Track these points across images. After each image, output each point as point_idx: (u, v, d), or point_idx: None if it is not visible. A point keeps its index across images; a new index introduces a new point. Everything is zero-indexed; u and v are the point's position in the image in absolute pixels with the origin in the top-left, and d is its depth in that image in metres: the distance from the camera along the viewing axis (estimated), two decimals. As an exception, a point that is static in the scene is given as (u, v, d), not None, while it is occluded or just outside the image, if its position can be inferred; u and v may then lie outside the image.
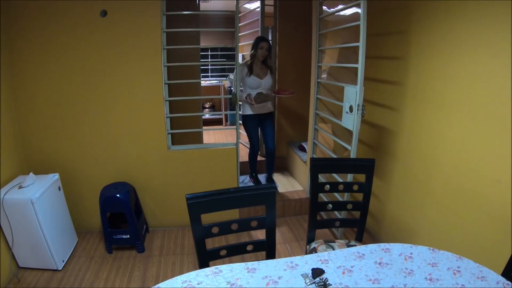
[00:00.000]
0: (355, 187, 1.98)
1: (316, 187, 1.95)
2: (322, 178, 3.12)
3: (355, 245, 1.95)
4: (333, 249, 1.91)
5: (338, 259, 1.42)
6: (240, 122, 3.50)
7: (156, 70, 2.77)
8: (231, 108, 5.81)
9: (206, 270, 1.35)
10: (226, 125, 6.68)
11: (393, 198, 2.67)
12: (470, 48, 1.85)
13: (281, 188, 3.69)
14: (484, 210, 1.81)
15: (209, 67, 7.16)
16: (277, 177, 3.98)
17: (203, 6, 5.52)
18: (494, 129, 1.73)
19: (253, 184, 3.68)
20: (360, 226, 2.03)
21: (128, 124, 2.86)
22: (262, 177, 3.82)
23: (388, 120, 2.65)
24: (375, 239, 2.92)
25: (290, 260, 1.42)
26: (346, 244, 2.00)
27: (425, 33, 2.19)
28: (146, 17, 2.66)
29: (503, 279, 1.25)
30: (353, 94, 2.40)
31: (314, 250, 1.96)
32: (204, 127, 3.83)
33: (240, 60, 4.81)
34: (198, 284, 1.27)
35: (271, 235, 1.63)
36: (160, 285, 1.26)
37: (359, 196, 1.99)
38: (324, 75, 3.31)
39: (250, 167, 3.72)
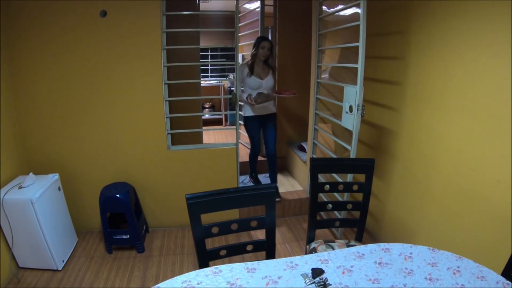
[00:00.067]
0: (355, 187, 1.98)
1: (316, 187, 1.95)
2: (322, 178, 3.12)
3: (355, 245, 1.95)
4: (333, 249, 1.91)
5: (338, 259, 1.42)
6: (241, 122, 3.50)
7: (156, 70, 2.77)
8: (231, 108, 5.81)
9: (206, 270, 1.35)
10: (226, 125, 6.69)
11: (393, 198, 2.67)
12: (470, 48, 1.85)
13: (281, 188, 3.68)
14: (483, 210, 1.81)
15: (209, 67, 7.16)
16: (278, 178, 3.97)
17: (203, 6, 5.52)
18: (494, 129, 1.73)
19: (253, 184, 3.68)
20: (360, 226, 2.03)
21: (128, 124, 2.86)
22: (262, 177, 3.81)
23: (388, 120, 2.65)
24: (375, 239, 2.92)
25: (290, 260, 1.42)
26: (346, 244, 2.00)
27: (425, 33, 2.19)
28: (146, 17, 2.66)
29: (503, 279, 1.25)
30: (353, 94, 2.40)
31: (314, 250, 1.96)
32: (204, 127, 3.83)
33: (240, 60, 4.82)
34: (198, 284, 1.27)
35: (271, 235, 1.63)
36: (160, 285, 1.26)
37: (359, 196, 1.99)
38: (324, 75, 3.31)
39: (250, 167, 3.72)
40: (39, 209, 2.30)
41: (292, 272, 1.34)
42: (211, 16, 6.13)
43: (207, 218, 1.48)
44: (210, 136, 5.84)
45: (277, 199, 3.36)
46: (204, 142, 3.88)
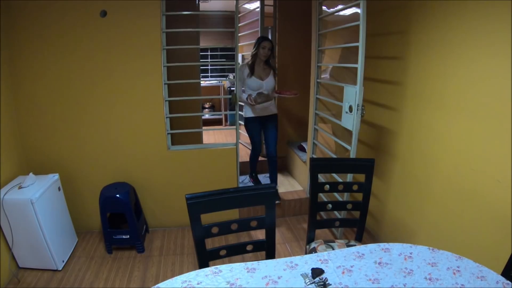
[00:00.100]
0: (355, 187, 1.99)
1: (315, 187, 1.95)
2: (321, 178, 3.12)
3: (354, 245, 1.95)
4: (333, 249, 1.91)
5: (338, 259, 1.42)
6: (241, 123, 3.49)
7: (156, 70, 2.77)
8: (231, 108, 5.81)
9: (206, 270, 1.35)
10: (226, 125, 6.69)
11: (392, 198, 2.67)
12: (470, 47, 1.85)
13: (281, 188, 3.68)
14: (483, 209, 1.81)
15: (209, 67, 7.16)
16: (277, 177, 3.97)
17: (202, 6, 5.53)
18: (493, 128, 1.73)
19: (252, 184, 3.68)
20: (359, 226, 2.04)
21: (128, 124, 2.86)
22: (262, 177, 3.81)
23: (388, 120, 2.65)
24: (374, 239, 2.92)
25: (290, 260, 1.42)
26: (346, 244, 2.00)
27: (425, 33, 2.19)
28: (145, 17, 2.66)
29: (502, 279, 1.25)
30: (352, 94, 2.40)
31: (313, 250, 1.96)
32: (204, 127, 3.82)
33: (239, 60, 4.82)
34: (198, 284, 1.27)
35: (270, 235, 1.63)
36: (160, 285, 1.26)
37: (359, 196, 1.99)
38: (324, 75, 3.31)
39: (250, 168, 3.71)
40: (39, 209, 2.30)
41: (292, 272, 1.34)
42: (211, 16, 6.14)
43: (207, 218, 1.48)
44: (210, 136, 5.84)
45: (277, 202, 3.35)
46: (204, 142, 3.88)
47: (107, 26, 2.62)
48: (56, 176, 2.61)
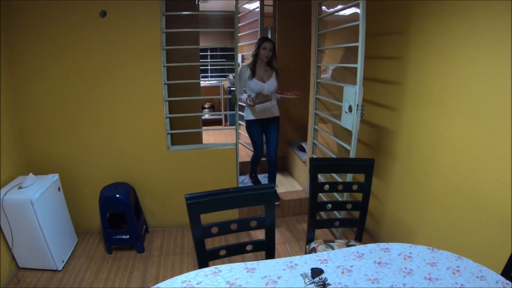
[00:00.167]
0: (355, 187, 1.98)
1: (315, 187, 1.95)
2: (321, 178, 3.12)
3: (354, 245, 1.95)
4: (333, 249, 1.91)
5: (338, 259, 1.42)
6: (241, 123, 3.48)
7: (155, 70, 2.77)
8: (231, 108, 5.81)
9: (206, 270, 1.35)
10: (225, 125, 6.69)
11: (392, 198, 2.67)
12: (470, 47, 1.85)
13: (280, 188, 3.68)
14: (483, 209, 1.81)
15: (209, 67, 7.16)
16: (277, 177, 3.97)
17: (202, 6, 5.53)
18: (493, 128, 1.74)
19: (252, 184, 3.67)
20: (359, 226, 2.04)
21: (128, 125, 2.86)
22: (261, 177, 3.81)
23: (388, 120, 2.65)
24: (374, 239, 2.92)
25: (290, 260, 1.42)
26: (346, 244, 2.00)
27: (424, 33, 2.19)
28: (145, 17, 2.66)
29: (502, 279, 1.25)
30: (352, 94, 2.40)
31: (313, 250, 1.96)
32: (203, 127, 3.83)
33: (239, 60, 4.82)
34: (198, 284, 1.27)
35: (270, 235, 1.63)
36: (159, 285, 1.26)
37: (359, 196, 1.99)
38: (324, 75, 3.31)
39: (251, 168, 3.70)
40: (39, 210, 2.30)
41: (292, 272, 1.34)
42: (211, 16, 6.14)
43: (206, 218, 1.48)
44: (210, 136, 5.84)
45: (276, 203, 3.34)
46: (203, 142, 3.88)
47: (107, 26, 2.62)
48: (56, 176, 2.61)
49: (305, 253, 1.94)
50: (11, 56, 2.56)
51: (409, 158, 2.44)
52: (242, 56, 5.29)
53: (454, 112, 1.98)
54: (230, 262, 1.43)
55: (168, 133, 2.94)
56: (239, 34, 4.51)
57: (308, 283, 1.28)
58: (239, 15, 4.47)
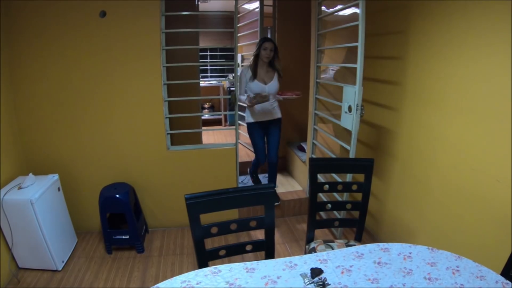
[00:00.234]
0: (354, 187, 1.98)
1: (315, 187, 1.95)
2: (321, 178, 3.12)
3: (354, 245, 1.95)
4: (332, 249, 1.91)
5: (337, 259, 1.42)
6: (241, 123, 3.47)
7: (155, 71, 2.77)
8: (231, 108, 5.81)
9: (205, 270, 1.35)
10: (225, 126, 6.69)
11: (392, 198, 2.67)
12: (469, 47, 1.85)
13: (280, 188, 3.68)
14: (483, 209, 1.81)
15: (208, 67, 7.17)
16: (277, 178, 3.97)
17: (202, 6, 5.53)
18: (493, 128, 1.74)
19: (252, 183, 3.67)
20: (359, 226, 2.04)
21: (128, 125, 2.86)
22: (262, 177, 3.81)
23: (387, 120, 2.65)
24: (374, 239, 2.92)
25: (289, 260, 1.42)
26: (345, 244, 2.00)
27: (424, 33, 2.19)
28: (145, 17, 2.66)
29: (502, 279, 1.25)
30: (352, 94, 2.40)
31: (313, 250, 1.96)
32: (203, 128, 3.83)
33: (239, 60, 4.82)
34: (197, 284, 1.27)
35: (270, 235, 1.63)
36: (159, 285, 1.26)
37: (358, 196, 2.00)
38: (324, 75, 3.31)
39: (252, 169, 3.65)
40: (38, 210, 2.30)
41: (291, 272, 1.34)
42: (210, 17, 6.14)
43: (206, 218, 1.48)
44: (210, 136, 5.84)
45: (276, 203, 3.34)
46: (203, 142, 3.88)
47: (107, 27, 2.62)
48: (55, 177, 2.61)
49: (305, 253, 1.93)
50: (11, 56, 2.56)
51: (409, 158, 2.44)
52: (242, 56, 5.29)
53: (454, 112, 1.98)
54: (229, 262, 1.43)
55: (168, 133, 2.94)
56: (238, 34, 4.51)
57: (308, 283, 1.28)
58: (238, 15, 4.47)
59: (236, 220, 1.57)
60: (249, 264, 1.39)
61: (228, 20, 5.16)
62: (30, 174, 2.46)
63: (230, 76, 7.01)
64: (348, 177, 2.65)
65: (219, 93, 6.72)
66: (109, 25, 2.62)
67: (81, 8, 2.55)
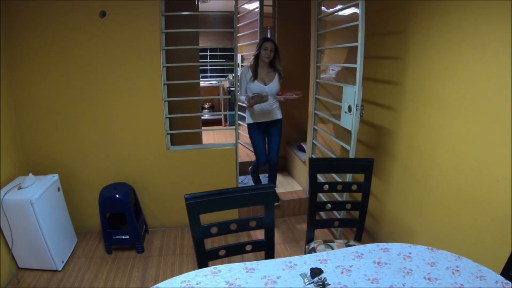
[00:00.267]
0: (354, 187, 1.98)
1: (315, 187, 1.95)
2: (321, 178, 3.12)
3: (354, 245, 1.95)
4: (332, 249, 1.91)
5: (337, 259, 1.42)
6: (241, 123, 3.46)
7: (155, 71, 2.77)
8: (230, 108, 5.81)
9: (205, 270, 1.35)
10: (225, 126, 6.69)
11: (392, 198, 2.67)
12: (469, 47, 1.85)
13: (280, 188, 3.68)
14: (483, 209, 1.81)
15: (208, 67, 7.17)
16: (277, 178, 3.96)
17: (202, 6, 5.54)
18: (493, 128, 1.74)
19: (252, 183, 3.66)
20: (359, 226, 2.04)
21: (127, 125, 2.86)
22: (262, 177, 3.80)
23: (387, 120, 2.65)
24: (374, 239, 2.92)
25: (289, 260, 1.42)
26: (345, 244, 2.00)
27: (424, 33, 2.19)
28: (145, 17, 2.66)
29: (502, 279, 1.25)
30: (351, 94, 2.40)
31: (313, 250, 1.96)
32: (203, 128, 3.83)
33: (239, 60, 4.82)
34: (197, 284, 1.27)
35: (270, 235, 1.63)
36: (159, 285, 1.26)
37: (358, 196, 2.00)
38: (324, 75, 3.31)
39: (253, 170, 3.59)
40: (38, 210, 2.30)
41: (291, 272, 1.34)
42: (210, 17, 6.14)
43: (206, 218, 1.48)
44: (210, 136, 5.84)
45: (276, 204, 3.34)
46: (203, 142, 3.88)
47: (106, 27, 2.62)
48: (55, 177, 2.61)
49: (305, 253, 1.93)
50: (11, 56, 2.56)
51: (408, 158, 2.44)
52: (242, 56, 5.29)
53: (454, 112, 1.99)
54: (229, 262, 1.43)
55: (167, 133, 2.94)
56: (238, 34, 4.52)
57: (308, 283, 1.28)
58: (238, 15, 4.48)
59: (236, 220, 1.57)
60: (248, 264, 1.39)
61: (228, 20, 5.17)
62: (30, 174, 2.46)
63: (230, 76, 7.01)
64: (348, 177, 2.65)
65: (219, 93, 6.72)
66: (109, 25, 2.62)
67: (81, 8, 2.55)
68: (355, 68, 2.34)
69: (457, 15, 1.91)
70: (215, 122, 6.92)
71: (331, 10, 2.97)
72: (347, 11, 2.71)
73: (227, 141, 4.34)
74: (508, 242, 1.63)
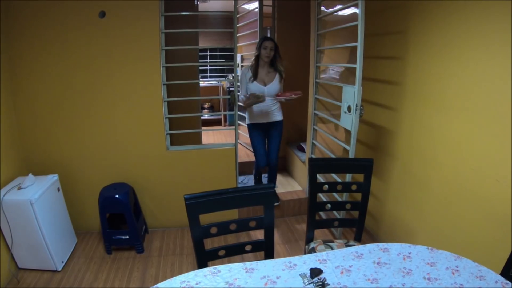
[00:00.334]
0: (354, 187, 1.98)
1: (314, 187, 1.95)
2: (321, 178, 3.12)
3: (353, 245, 1.95)
4: (332, 249, 1.91)
5: (337, 259, 1.42)
6: (240, 123, 3.45)
7: (155, 71, 2.77)
8: (230, 108, 5.81)
9: (205, 270, 1.35)
10: (225, 126, 6.68)
11: (392, 198, 2.67)
12: (469, 47, 1.85)
13: (280, 188, 3.68)
14: (483, 209, 1.81)
15: (208, 67, 7.17)
16: (277, 178, 3.96)
17: (201, 6, 5.54)
18: (493, 128, 1.74)
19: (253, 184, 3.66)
20: (359, 226, 2.03)
21: (127, 125, 2.86)
22: (263, 177, 3.80)
23: (387, 120, 2.65)
24: (374, 239, 2.92)
25: (289, 260, 1.42)
26: (345, 244, 2.00)
27: (424, 33, 2.19)
28: (144, 18, 2.66)
29: (502, 279, 1.25)
30: (351, 94, 2.40)
31: (313, 250, 1.96)
32: (203, 128, 3.82)
33: (238, 60, 4.82)
34: (197, 284, 1.27)
35: (269, 235, 1.63)
36: (158, 285, 1.26)
37: (358, 196, 1.99)
38: (324, 75, 3.31)
39: (254, 173, 3.55)
40: (38, 210, 2.30)
41: (291, 272, 1.34)
42: (210, 17, 6.15)
43: (206, 218, 1.48)
44: (209, 136, 5.84)
45: (275, 204, 3.33)
46: (203, 143, 3.88)
47: (106, 27, 2.62)
48: (55, 177, 2.61)
49: (304, 253, 1.93)
50: (11, 56, 2.56)
51: (408, 158, 2.44)
52: (241, 56, 5.29)
53: (454, 112, 1.98)
54: (229, 262, 1.43)
55: (167, 133, 2.94)
56: (238, 35, 4.52)
57: (307, 283, 1.28)
58: (238, 16, 4.48)
59: (235, 220, 1.57)
60: (248, 264, 1.39)
61: (228, 20, 5.17)
62: (30, 175, 2.46)
63: (230, 76, 7.01)
64: (348, 177, 2.65)
65: (219, 93, 6.72)
66: (109, 26, 2.62)
67: (81, 8, 2.55)
68: (354, 68, 2.34)
69: (457, 15, 1.91)
70: (215, 122, 6.92)
71: (330, 10, 2.97)
72: (347, 11, 2.71)
73: (226, 141, 4.33)
74: (508, 242, 1.63)
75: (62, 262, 2.59)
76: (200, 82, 5.76)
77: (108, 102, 2.78)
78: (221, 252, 1.59)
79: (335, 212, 2.94)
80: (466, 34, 1.86)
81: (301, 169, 3.73)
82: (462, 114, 1.93)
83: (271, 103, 3.03)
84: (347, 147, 2.60)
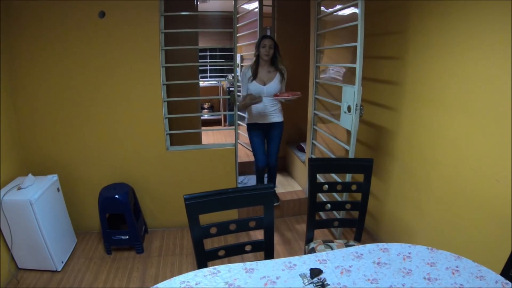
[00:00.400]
0: (354, 187, 1.98)
1: (314, 187, 1.95)
2: (320, 178, 3.12)
3: (353, 245, 1.95)
4: (332, 249, 1.91)
5: (336, 259, 1.42)
6: (240, 123, 3.45)
7: (154, 71, 2.77)
8: (230, 108, 5.81)
9: (204, 270, 1.35)
10: (225, 126, 6.69)
11: (391, 198, 2.67)
12: (469, 47, 1.85)
13: (280, 188, 3.68)
14: (483, 209, 1.81)
15: (208, 67, 7.17)
16: (276, 178, 3.96)
17: (201, 6, 5.54)
18: (493, 128, 1.74)
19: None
20: (358, 226, 2.03)
21: (127, 125, 2.86)
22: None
23: (387, 120, 2.65)
24: (374, 239, 2.92)
25: (288, 260, 1.42)
26: (345, 244, 2.00)
27: (424, 33, 2.19)
28: (144, 18, 2.66)
29: (502, 279, 1.25)
30: (351, 94, 2.40)
31: (312, 250, 1.96)
32: (202, 128, 3.82)
33: (238, 60, 4.82)
34: (196, 284, 1.27)
35: (269, 235, 1.63)
36: (158, 285, 1.26)
37: (358, 196, 1.99)
38: (323, 75, 3.31)
39: (257, 175, 3.40)
40: (38, 210, 2.29)
41: (291, 272, 1.34)
42: (210, 17, 6.15)
43: (205, 219, 1.48)
44: (209, 136, 5.84)
45: (275, 204, 3.33)
46: (203, 143, 3.88)
47: (106, 27, 2.62)
48: (55, 177, 2.61)
49: (304, 253, 1.93)
50: (11, 56, 2.56)
51: (408, 158, 2.44)
52: (241, 56, 5.29)
53: (454, 112, 1.98)
54: (229, 262, 1.42)
55: (167, 134, 2.94)
56: (238, 35, 4.52)
57: (307, 283, 1.28)
58: (238, 16, 4.48)
59: (235, 221, 1.57)
60: (248, 264, 1.39)
61: (228, 20, 5.17)
62: (30, 175, 2.45)
63: (230, 76, 7.01)
64: (348, 177, 2.65)
65: (219, 93, 6.72)
66: (108, 26, 2.62)
67: (81, 8, 2.55)
68: (354, 68, 2.34)
69: (456, 15, 1.91)
70: (215, 122, 6.92)
71: (330, 10, 2.97)
72: (347, 11, 2.71)
73: (226, 141, 4.33)
74: (508, 242, 1.63)
75: (62, 262, 2.59)
76: (200, 82, 5.76)
77: (108, 102, 2.78)
78: (221, 252, 1.59)
79: (335, 212, 2.94)
80: (466, 34, 1.86)
81: (301, 169, 3.73)
82: (462, 114, 1.93)
83: (270, 104, 2.99)
84: (347, 147, 2.60)
